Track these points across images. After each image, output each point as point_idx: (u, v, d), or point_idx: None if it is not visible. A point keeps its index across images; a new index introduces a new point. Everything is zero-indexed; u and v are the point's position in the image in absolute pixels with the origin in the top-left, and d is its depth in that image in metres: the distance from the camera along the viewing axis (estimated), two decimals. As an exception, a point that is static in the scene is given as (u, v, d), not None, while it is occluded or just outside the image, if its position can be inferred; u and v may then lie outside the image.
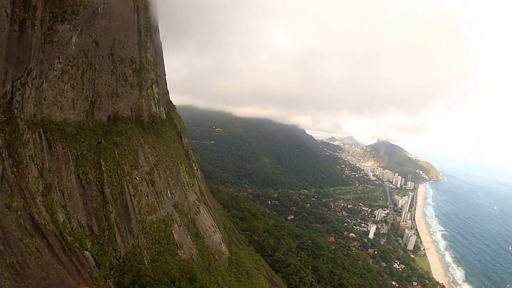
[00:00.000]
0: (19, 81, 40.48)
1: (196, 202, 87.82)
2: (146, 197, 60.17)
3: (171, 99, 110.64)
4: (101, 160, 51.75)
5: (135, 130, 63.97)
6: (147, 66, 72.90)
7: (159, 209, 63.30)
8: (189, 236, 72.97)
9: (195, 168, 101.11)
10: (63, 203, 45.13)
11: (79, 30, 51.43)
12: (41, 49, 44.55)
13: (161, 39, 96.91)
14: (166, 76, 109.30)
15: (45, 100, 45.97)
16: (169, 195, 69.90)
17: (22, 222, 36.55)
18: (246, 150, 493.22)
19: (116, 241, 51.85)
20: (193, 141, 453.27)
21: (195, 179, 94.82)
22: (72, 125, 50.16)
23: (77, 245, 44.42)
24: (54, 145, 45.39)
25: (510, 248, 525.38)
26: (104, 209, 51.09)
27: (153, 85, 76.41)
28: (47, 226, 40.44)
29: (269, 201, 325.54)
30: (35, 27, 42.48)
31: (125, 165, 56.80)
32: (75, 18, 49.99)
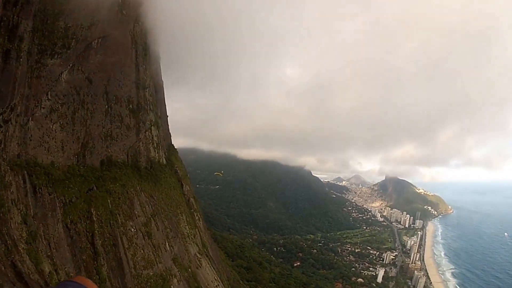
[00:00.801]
0: (1, 117, 35.30)
1: (198, 254, 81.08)
2: (142, 250, 53.83)
3: (173, 142, 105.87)
4: (92, 208, 45.83)
5: (131, 177, 57.99)
6: (145, 107, 67.61)
7: (157, 263, 56.76)
8: (190, 292, 66.42)
9: (196, 218, 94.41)
10: (49, 253, 39.01)
11: (71, 65, 46.55)
12: (27, 84, 39.60)
13: (162, 78, 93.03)
14: (168, 118, 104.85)
15: (30, 140, 40.61)
16: (168, 248, 63.26)
17: (3, 268, 30.64)
18: (251, 195, 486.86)
19: (108, 297, 45.51)
20: (197, 185, 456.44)
21: (196, 229, 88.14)
22: (61, 169, 44.52)
23: (65, 298, 37.89)
24: (40, 190, 39.69)
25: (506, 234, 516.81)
26: (95, 262, 44.94)
27: (152, 127, 70.84)
28: (31, 275, 34.14)
29: (275, 248, 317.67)
30: (21, 59, 37.60)
31: (119, 215, 50.79)
32: (66, 52, 45.15)
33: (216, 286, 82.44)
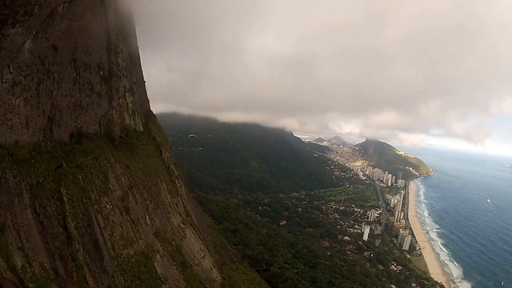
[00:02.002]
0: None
1: (181, 225, 77.51)
2: (120, 228, 50.21)
3: (152, 109, 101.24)
4: (61, 188, 41.89)
5: (104, 148, 53.52)
6: (118, 73, 62.55)
7: (137, 240, 53.31)
8: (174, 267, 63.00)
9: (178, 185, 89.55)
10: (19, 245, 35.43)
11: (34, 33, 41.90)
12: (-15, 58, 35.32)
13: (137, 43, 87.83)
14: (146, 83, 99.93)
15: (-10, 120, 36.44)
16: (149, 222, 59.51)
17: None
18: (234, 156, 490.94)
19: (87, 283, 42.09)
20: (180, 148, 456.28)
21: (179, 198, 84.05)
22: (26, 147, 40.36)
23: (41, 292, 34.74)
24: (4, 174, 35.80)
25: (488, 201, 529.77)
26: (69, 248, 41.26)
27: (127, 94, 65.94)
28: (3, 274, 31.55)
29: (260, 207, 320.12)
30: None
31: (92, 191, 46.87)
32: (28, 20, 40.68)
33: (203, 256, 79.53)
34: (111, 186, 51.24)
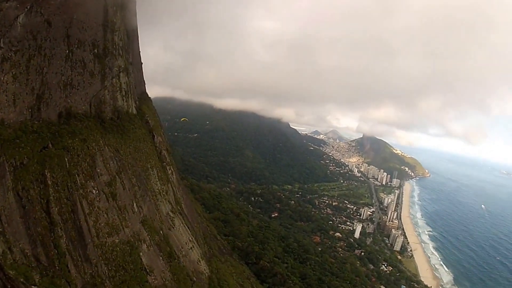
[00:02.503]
0: None
1: (170, 213, 74.94)
2: (105, 215, 47.73)
3: (149, 91, 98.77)
4: (46, 170, 39.39)
5: (93, 130, 50.70)
6: (113, 51, 59.74)
7: (123, 228, 50.83)
8: (161, 258, 60.63)
9: (169, 172, 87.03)
10: (0, 229, 33.45)
11: (28, 7, 39.67)
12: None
13: (137, 22, 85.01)
14: (143, 65, 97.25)
15: (-24, 97, 34.18)
16: (136, 209, 56.85)
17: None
18: (229, 144, 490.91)
19: (69, 271, 39.89)
20: (175, 133, 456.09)
21: (169, 185, 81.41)
22: (12, 126, 37.94)
23: (22, 280, 33.35)
24: (-13, 154, 33.36)
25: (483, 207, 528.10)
26: (52, 234, 38.98)
27: (121, 74, 63.01)
28: None
29: (253, 198, 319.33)
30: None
31: (78, 175, 44.34)
32: None
33: (191, 247, 77.19)
34: (98, 170, 48.67)
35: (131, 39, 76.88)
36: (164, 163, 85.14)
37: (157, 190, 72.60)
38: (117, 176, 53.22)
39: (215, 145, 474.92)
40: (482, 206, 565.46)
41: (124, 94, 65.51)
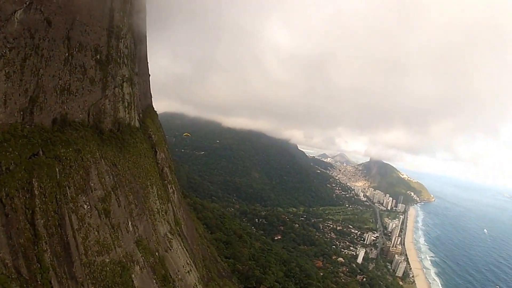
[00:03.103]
0: None
1: (168, 234, 70.89)
2: (96, 232, 44.09)
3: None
4: (33, 179, 35.97)
5: (90, 140, 47.31)
6: (117, 59, 56.63)
7: (115, 248, 47.08)
8: (154, 281, 56.47)
9: (171, 190, 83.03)
10: (-21, 235, 29.75)
11: (27, 3, 36.78)
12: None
13: (146, 29, 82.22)
14: (151, 77, 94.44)
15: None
16: (131, 228, 53.05)
17: None
18: (236, 163, 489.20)
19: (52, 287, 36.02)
20: (182, 150, 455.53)
21: (169, 204, 77.44)
22: (0, 128, 34.63)
23: (-1, 290, 29.42)
24: (-29, 156, 30.25)
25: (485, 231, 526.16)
26: (36, 247, 35.35)
27: (124, 84, 59.86)
28: None
29: (256, 219, 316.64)
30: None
31: (69, 187, 40.86)
32: None
33: (188, 271, 72.89)
34: (92, 184, 45.14)
35: (138, 47, 74.10)
36: (166, 181, 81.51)
37: (156, 209, 68.79)
38: (112, 192, 49.59)
39: (221, 164, 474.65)
40: (485, 230, 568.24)
41: (126, 105, 62.22)
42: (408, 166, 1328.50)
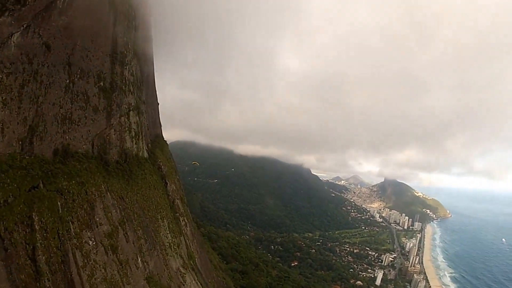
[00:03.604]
0: None
1: (181, 269, 67.29)
2: (102, 269, 41.00)
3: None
4: (33, 213, 33.45)
5: (95, 172, 44.72)
6: (122, 87, 54.39)
7: (123, 285, 43.81)
8: (168, 318, 53.40)
9: (183, 223, 79.54)
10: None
11: (25, 26, 35.01)
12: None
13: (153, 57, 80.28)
14: (160, 106, 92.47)
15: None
16: (140, 265, 49.79)
17: None
18: (250, 191, 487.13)
19: (55, 327, 33.18)
20: (195, 178, 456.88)
21: (182, 238, 73.76)
22: (-3, 158, 32.39)
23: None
24: (-34, 185, 27.99)
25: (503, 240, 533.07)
26: (38, 283, 32.51)
27: (131, 113, 57.44)
28: None
29: (272, 246, 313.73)
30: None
31: (72, 222, 38.04)
32: (20, 9, 33.99)
33: (203, 306, 69.51)
34: (97, 219, 42.27)
35: (145, 74, 72.10)
36: (177, 214, 78.22)
37: (167, 244, 65.41)
38: (119, 227, 46.71)
39: (235, 192, 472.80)
40: (503, 240, 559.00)
41: (133, 135, 59.63)
42: (423, 183, 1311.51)
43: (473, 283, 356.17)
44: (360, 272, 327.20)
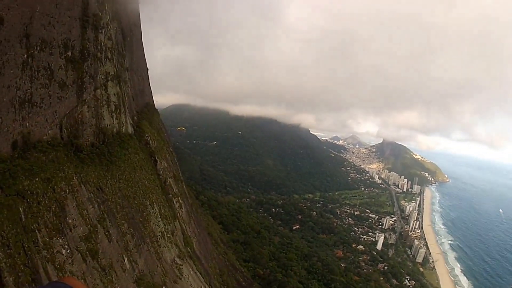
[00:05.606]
0: None
1: (177, 260, 59.82)
2: (81, 280, 33.65)
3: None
4: (-10, 226, 25.80)
5: (64, 163, 36.82)
6: (97, 54, 45.60)
7: (107, 293, 36.68)
8: (165, 320, 46.44)
9: (177, 205, 70.95)
10: None
11: (-30, -2, 26.95)
12: None
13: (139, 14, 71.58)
14: (149, 71, 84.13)
15: None
16: (127, 266, 42.54)
17: None
18: (249, 151, 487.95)
19: None
20: (194, 141, 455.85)
21: (176, 222, 65.69)
22: None
23: None
24: None
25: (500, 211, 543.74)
26: (9, 306, 25.44)
27: (109, 83, 48.85)
28: None
29: (273, 209, 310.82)
30: None
31: (39, 231, 30.22)
32: None
33: (202, 300, 62.61)
34: (70, 221, 34.20)
35: (131, 38, 63.58)
36: (170, 195, 69.53)
37: (160, 233, 57.67)
38: (99, 225, 38.84)
39: (234, 153, 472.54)
40: (500, 211, 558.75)
41: (113, 109, 50.86)
42: (421, 146, 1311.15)
43: (477, 250, 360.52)
44: (361, 235, 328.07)
